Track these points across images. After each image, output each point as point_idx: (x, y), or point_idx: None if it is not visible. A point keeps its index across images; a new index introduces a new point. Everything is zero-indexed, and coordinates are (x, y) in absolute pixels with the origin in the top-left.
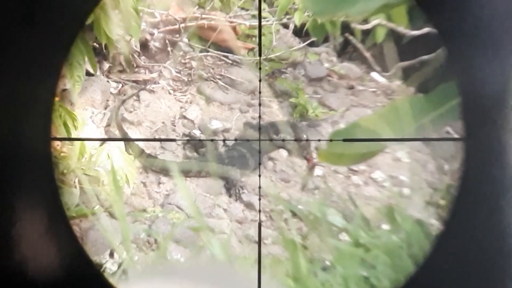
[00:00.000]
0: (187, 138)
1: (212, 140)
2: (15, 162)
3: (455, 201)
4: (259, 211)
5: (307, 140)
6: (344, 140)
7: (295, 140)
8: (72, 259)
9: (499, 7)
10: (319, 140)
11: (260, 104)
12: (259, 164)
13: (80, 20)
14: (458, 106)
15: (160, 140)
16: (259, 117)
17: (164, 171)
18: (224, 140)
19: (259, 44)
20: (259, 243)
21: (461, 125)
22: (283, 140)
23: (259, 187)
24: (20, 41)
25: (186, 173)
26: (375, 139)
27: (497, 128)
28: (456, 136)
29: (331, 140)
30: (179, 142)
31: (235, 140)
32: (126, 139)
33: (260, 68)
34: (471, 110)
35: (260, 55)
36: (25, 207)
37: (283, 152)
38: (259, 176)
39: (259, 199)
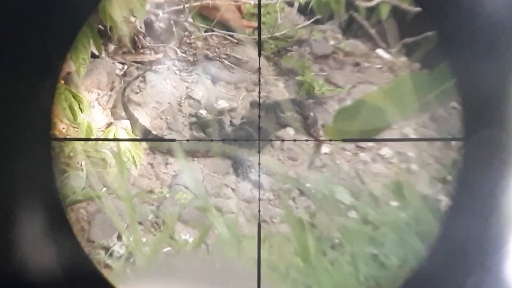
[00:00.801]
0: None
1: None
2: (15, 162)
3: (454, 201)
4: (259, 211)
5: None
6: (344, 140)
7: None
8: (72, 259)
9: (499, 7)
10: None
11: (259, 83)
12: (258, 164)
13: (80, 20)
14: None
15: (161, 140)
16: (259, 105)
17: (171, 152)
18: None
19: (259, 25)
20: (258, 243)
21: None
22: (283, 140)
23: (259, 188)
24: (20, 41)
25: (193, 154)
26: (377, 139)
27: (497, 128)
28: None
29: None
30: (186, 122)
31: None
32: (132, 140)
33: (259, 53)
34: (471, 110)
35: (259, 35)
36: (25, 207)
37: (290, 131)
38: (259, 176)
39: (259, 200)
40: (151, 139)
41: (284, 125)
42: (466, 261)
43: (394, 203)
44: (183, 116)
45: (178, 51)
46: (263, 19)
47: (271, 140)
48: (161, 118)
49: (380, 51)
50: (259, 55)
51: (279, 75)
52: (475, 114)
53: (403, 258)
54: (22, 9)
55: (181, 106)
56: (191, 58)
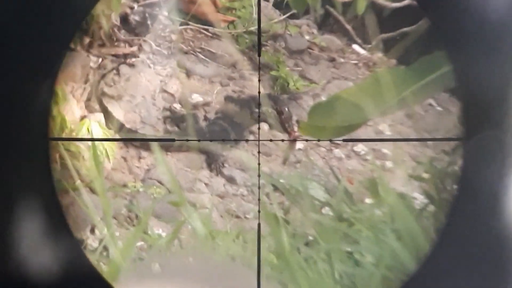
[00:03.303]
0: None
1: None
2: (15, 162)
3: (455, 201)
4: (259, 211)
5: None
6: (344, 140)
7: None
8: (71, 259)
9: (500, 7)
10: None
11: (259, 83)
12: (258, 164)
13: (80, 20)
14: (440, 79)
15: (158, 140)
16: (259, 104)
17: (145, 146)
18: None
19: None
20: (258, 244)
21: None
22: (282, 140)
23: (259, 188)
24: (20, 41)
25: (167, 148)
26: (380, 139)
27: (497, 128)
28: (439, 109)
29: None
30: (160, 116)
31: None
32: (126, 139)
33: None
34: (471, 110)
35: (259, 32)
36: (24, 207)
37: (265, 126)
38: (259, 176)
39: (259, 200)
40: (151, 139)
41: (258, 120)
42: (466, 261)
43: (369, 201)
44: (157, 110)
45: (153, 44)
46: (238, 13)
47: (271, 140)
48: (135, 112)
49: (356, 47)
50: (259, 55)
51: (254, 69)
52: (475, 114)
53: (379, 256)
54: (21, 9)
55: (155, 100)
56: (165, 52)
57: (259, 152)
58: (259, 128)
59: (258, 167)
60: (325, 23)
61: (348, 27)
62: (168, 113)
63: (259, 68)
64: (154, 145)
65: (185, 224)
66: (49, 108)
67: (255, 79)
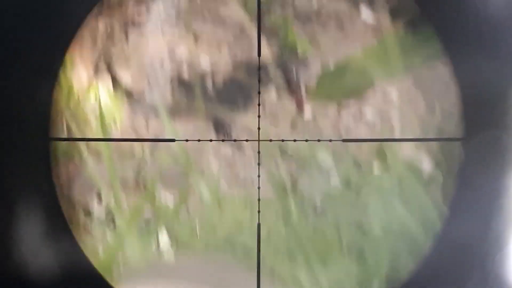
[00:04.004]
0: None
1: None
2: (15, 162)
3: (455, 201)
4: (259, 211)
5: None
6: (344, 140)
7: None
8: (71, 259)
9: (500, 7)
10: None
11: (259, 84)
12: (258, 164)
13: (80, 20)
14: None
15: (158, 140)
16: (259, 104)
17: (153, 113)
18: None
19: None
20: (258, 245)
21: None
22: (282, 141)
23: (259, 188)
24: (20, 41)
25: (176, 113)
26: (380, 139)
27: (497, 128)
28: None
29: None
30: (167, 81)
31: None
32: (127, 139)
33: None
34: (471, 110)
35: (259, 30)
36: (25, 207)
37: (273, 92)
38: (259, 176)
39: (259, 200)
40: (151, 139)
41: (266, 87)
42: (467, 261)
43: (377, 169)
44: (165, 75)
45: (161, 8)
46: None
47: (271, 140)
48: (143, 76)
49: (364, 12)
50: (259, 55)
51: (261, 34)
52: (475, 114)
53: (387, 226)
54: (22, 10)
55: (163, 65)
56: (174, 16)
57: (259, 152)
58: (259, 128)
59: (258, 167)
60: None
61: None
62: (176, 78)
63: (259, 70)
64: (162, 113)
65: (193, 191)
66: (50, 107)
67: (263, 43)
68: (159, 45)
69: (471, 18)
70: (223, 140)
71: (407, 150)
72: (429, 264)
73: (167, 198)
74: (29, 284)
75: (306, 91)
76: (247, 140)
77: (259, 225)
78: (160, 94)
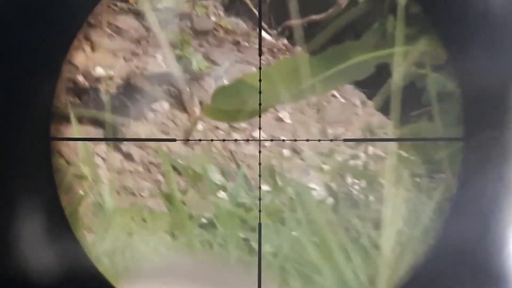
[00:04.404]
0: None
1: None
2: (15, 162)
3: (454, 201)
4: (259, 211)
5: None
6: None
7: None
8: (72, 259)
9: (499, 7)
10: None
11: (260, 85)
12: (259, 164)
13: (80, 20)
14: (347, 71)
15: (159, 140)
16: (259, 104)
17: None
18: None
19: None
20: (259, 244)
21: (347, 87)
22: (283, 140)
23: (259, 188)
24: (20, 41)
25: (67, 119)
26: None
27: (497, 128)
28: (343, 100)
29: None
30: (63, 87)
31: None
32: (122, 139)
33: None
34: (471, 110)
35: (260, 33)
36: (25, 207)
37: (165, 104)
38: (259, 176)
39: (259, 200)
40: (151, 139)
41: (159, 99)
42: (467, 261)
43: (266, 187)
44: (61, 82)
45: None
46: None
47: (271, 140)
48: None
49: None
50: (260, 55)
51: (158, 46)
52: (475, 114)
53: (277, 245)
54: (22, 9)
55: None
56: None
57: (259, 151)
58: (259, 128)
59: (259, 166)
60: (232, 6)
61: (255, 11)
62: (70, 84)
63: (259, 70)
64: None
65: (87, 198)
66: (50, 107)
67: (159, 56)
68: None
69: (471, 16)
70: (223, 140)
71: (297, 173)
72: (429, 264)
73: None
74: (29, 284)
75: (201, 107)
76: (247, 140)
77: (259, 224)
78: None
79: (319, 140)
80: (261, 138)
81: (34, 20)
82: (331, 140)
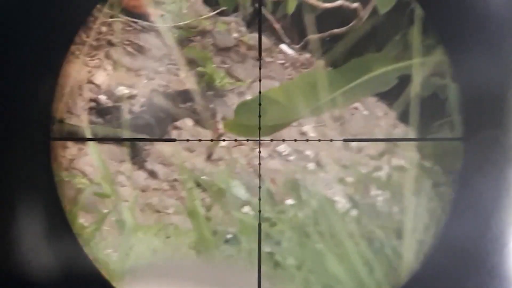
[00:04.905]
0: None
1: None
2: (15, 162)
3: (454, 201)
4: (259, 211)
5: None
6: (345, 140)
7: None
8: (72, 259)
9: (499, 7)
10: None
11: (260, 86)
12: (259, 163)
13: (80, 20)
14: (369, 83)
15: (158, 140)
16: (259, 104)
17: (70, 135)
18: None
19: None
20: (259, 245)
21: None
22: (283, 140)
23: (259, 188)
24: (20, 41)
25: (91, 138)
26: (381, 139)
27: (497, 128)
28: (365, 113)
29: None
30: (85, 107)
31: None
32: (119, 139)
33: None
34: (471, 110)
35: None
36: (25, 207)
37: (189, 121)
38: (259, 176)
39: (259, 200)
40: (153, 139)
41: (183, 116)
42: (467, 261)
43: (290, 201)
44: (83, 101)
45: (83, 36)
46: (167, 7)
47: (271, 140)
48: (61, 102)
49: (283, 47)
50: (260, 57)
51: (180, 65)
52: (475, 114)
53: (301, 258)
54: (22, 9)
55: (82, 90)
56: (94, 43)
57: (259, 151)
58: (259, 128)
59: (259, 167)
60: (254, 22)
61: (277, 26)
62: (93, 104)
63: (259, 71)
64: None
65: (109, 216)
66: (50, 107)
67: (182, 74)
68: (78, 70)
69: (471, 17)
70: (223, 140)
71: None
72: (429, 264)
73: None
74: (29, 284)
75: (223, 123)
76: (247, 140)
77: (259, 225)
78: (77, 117)
79: (319, 140)
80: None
81: (34, 21)
82: (331, 140)
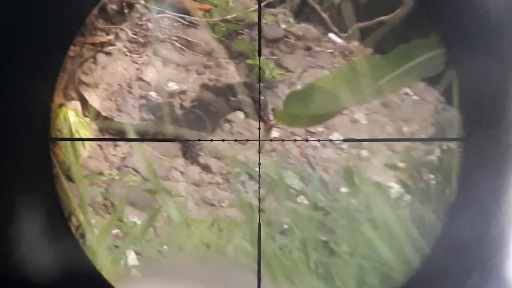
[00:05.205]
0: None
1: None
2: (15, 162)
3: (454, 201)
4: (259, 211)
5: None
6: (344, 140)
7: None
8: (71, 259)
9: (499, 7)
10: None
11: (259, 86)
12: (259, 164)
13: (80, 21)
14: (417, 68)
15: (159, 140)
16: (259, 105)
17: (121, 134)
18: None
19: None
20: (258, 245)
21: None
22: (283, 140)
23: (259, 188)
24: (20, 41)
25: (143, 135)
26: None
27: (497, 128)
28: (415, 98)
29: None
30: (136, 104)
31: None
32: (122, 140)
33: None
34: (471, 110)
35: (259, 36)
36: (25, 207)
37: (240, 114)
38: (259, 176)
39: (259, 200)
40: (153, 139)
41: (234, 109)
42: (467, 261)
43: (344, 189)
44: (133, 98)
45: (130, 33)
46: (214, 1)
47: (271, 140)
48: (111, 100)
49: (332, 35)
50: (259, 54)
51: (230, 58)
52: (475, 114)
53: (354, 245)
54: (22, 10)
55: (131, 88)
56: (142, 40)
57: (259, 151)
58: (259, 128)
59: (259, 167)
60: (301, 12)
61: (325, 15)
62: (144, 101)
63: (259, 72)
64: (131, 134)
65: (161, 211)
66: (50, 107)
67: (231, 67)
68: (127, 68)
69: (471, 18)
70: (223, 140)
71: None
72: (429, 264)
73: None
74: (29, 284)
75: (274, 114)
76: (247, 140)
77: (259, 224)
78: (128, 115)
79: (319, 141)
80: (260, 139)
81: (34, 21)
82: (331, 141)
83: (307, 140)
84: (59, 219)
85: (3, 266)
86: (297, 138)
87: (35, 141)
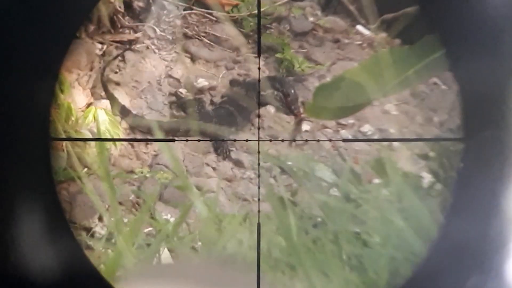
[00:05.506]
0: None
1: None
2: (15, 162)
3: (454, 201)
4: (259, 211)
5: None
6: (346, 141)
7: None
8: (71, 259)
9: (499, 7)
10: None
11: (259, 87)
12: (258, 164)
13: (80, 20)
14: (445, 57)
15: (159, 140)
16: (258, 105)
17: (152, 131)
18: None
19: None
20: (258, 244)
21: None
22: (282, 141)
23: (258, 188)
24: (20, 41)
25: (174, 133)
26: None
27: (497, 128)
28: (444, 87)
29: None
30: (166, 101)
31: None
32: (132, 140)
33: None
34: (471, 110)
35: (259, 35)
36: (24, 207)
37: (271, 108)
38: (259, 176)
39: (258, 200)
40: (152, 139)
41: (264, 103)
42: (466, 261)
43: (376, 181)
44: (163, 95)
45: (157, 30)
46: None
47: (271, 140)
48: (140, 98)
49: (359, 27)
50: (259, 55)
51: (258, 52)
52: (475, 114)
53: (385, 236)
54: (22, 9)
55: (161, 85)
56: (170, 37)
57: (258, 152)
58: (259, 128)
59: (258, 167)
60: (329, 5)
61: (352, 8)
62: (174, 98)
63: (259, 53)
64: (159, 131)
65: (192, 208)
66: (50, 107)
67: (261, 62)
68: (156, 65)
69: (471, 17)
70: (223, 140)
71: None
72: (429, 264)
73: None
74: (29, 284)
75: (304, 107)
76: (247, 140)
77: (259, 224)
78: (158, 113)
79: (318, 141)
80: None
81: (34, 19)
82: (330, 140)
83: (306, 141)
84: (59, 220)
85: (3, 266)
86: (329, 130)
87: (35, 141)
